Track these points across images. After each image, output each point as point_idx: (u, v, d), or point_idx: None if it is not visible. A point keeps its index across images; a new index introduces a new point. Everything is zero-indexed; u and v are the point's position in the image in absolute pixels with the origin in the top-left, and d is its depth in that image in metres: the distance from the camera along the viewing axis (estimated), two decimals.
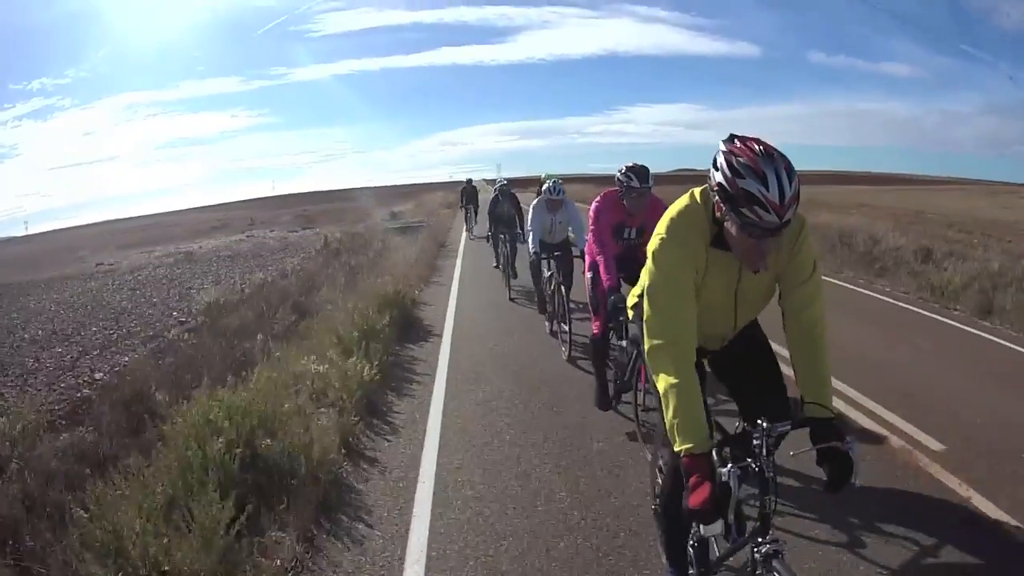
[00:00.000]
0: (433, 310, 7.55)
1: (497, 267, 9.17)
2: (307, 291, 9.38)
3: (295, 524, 2.85)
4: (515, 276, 8.05)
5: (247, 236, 23.12)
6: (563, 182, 6.13)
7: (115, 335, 8.58)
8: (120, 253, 26.02)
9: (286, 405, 3.90)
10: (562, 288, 5.45)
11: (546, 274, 5.93)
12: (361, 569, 2.64)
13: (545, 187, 5.71)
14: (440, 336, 6.30)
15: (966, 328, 6.58)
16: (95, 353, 7.62)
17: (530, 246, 5.65)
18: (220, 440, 3.25)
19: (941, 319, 7.05)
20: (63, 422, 5.55)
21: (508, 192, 8.60)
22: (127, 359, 6.95)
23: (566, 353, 5.24)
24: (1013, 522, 2.76)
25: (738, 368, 2.03)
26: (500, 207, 8.52)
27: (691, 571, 2.05)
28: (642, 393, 3.53)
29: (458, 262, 11.24)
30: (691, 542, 2.03)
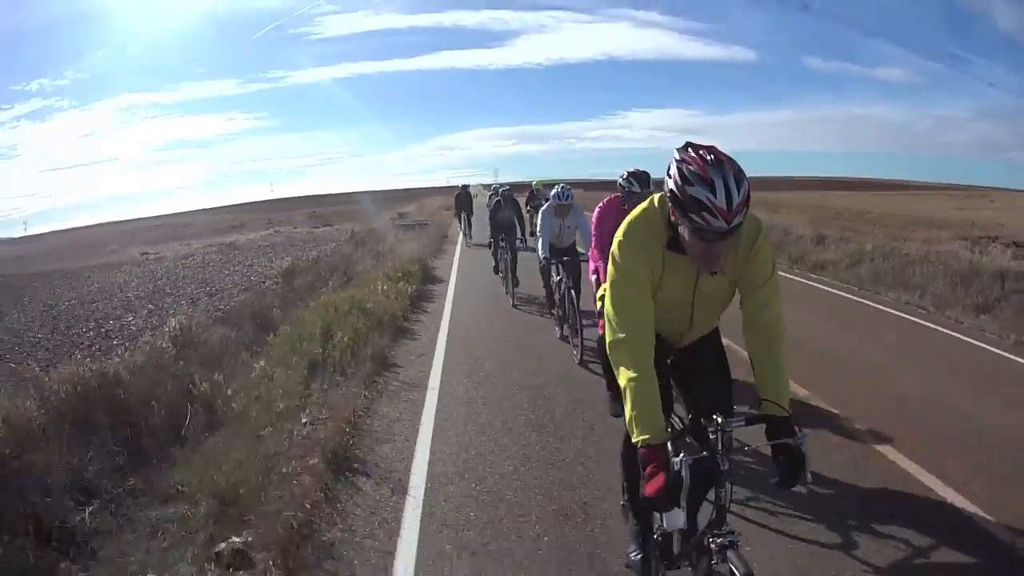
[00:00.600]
0: (442, 270, 11.06)
1: (498, 273, 8.83)
2: (348, 266, 12.70)
3: (386, 335, 6.20)
4: (517, 284, 7.93)
5: (275, 231, 26.56)
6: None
7: (212, 291, 11.90)
8: (154, 247, 29.17)
9: (369, 302, 7.28)
10: (571, 292, 5.51)
11: (555, 278, 6.02)
12: (419, 349, 6.02)
13: (554, 192, 5.87)
14: (447, 281, 9.80)
15: (793, 277, 10.02)
16: (206, 299, 10.93)
17: (540, 251, 5.76)
18: (346, 305, 6.64)
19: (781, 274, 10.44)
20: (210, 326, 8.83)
21: (510, 197, 8.56)
22: (235, 301, 10.24)
23: (577, 357, 5.32)
24: None
25: (697, 369, 2.12)
26: (502, 212, 8.38)
27: (656, 563, 2.15)
28: None
29: (458, 248, 14.67)
30: (655, 535, 2.12)
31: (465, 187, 16.22)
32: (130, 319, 10.70)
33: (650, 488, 1.61)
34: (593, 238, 4.04)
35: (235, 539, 2.66)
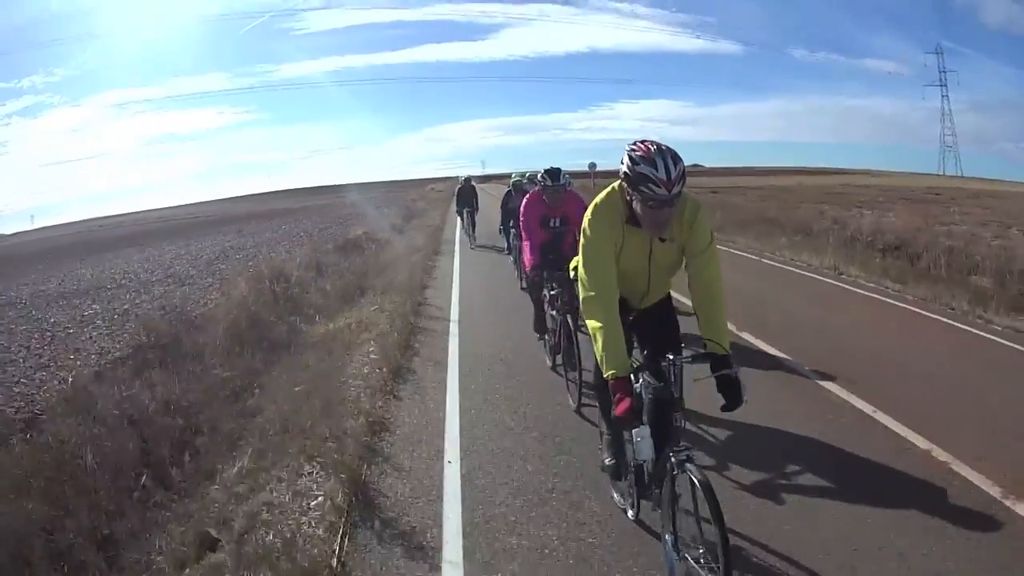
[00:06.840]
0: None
1: None
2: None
3: (421, 262, 15.07)
4: None
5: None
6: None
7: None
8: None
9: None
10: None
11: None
12: (444, 276, 10.33)
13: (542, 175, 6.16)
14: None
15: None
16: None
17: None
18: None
19: None
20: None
21: None
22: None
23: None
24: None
25: (653, 323, 2.66)
26: None
27: (632, 490, 2.63)
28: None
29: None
30: (630, 468, 2.55)
31: (468, 179, 14.60)
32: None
33: (619, 410, 2.07)
34: (521, 221, 4.94)
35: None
